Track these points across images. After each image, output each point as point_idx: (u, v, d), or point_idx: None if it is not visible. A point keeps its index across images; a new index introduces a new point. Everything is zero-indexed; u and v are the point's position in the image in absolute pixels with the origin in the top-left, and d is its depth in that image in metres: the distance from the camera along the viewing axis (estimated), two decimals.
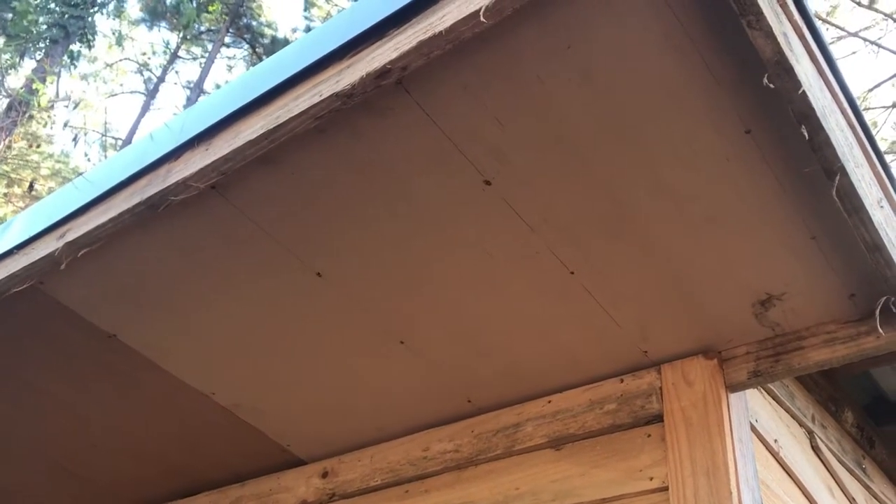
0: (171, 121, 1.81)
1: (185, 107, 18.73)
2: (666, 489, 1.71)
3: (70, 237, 1.79)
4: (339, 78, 1.43)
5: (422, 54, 1.32)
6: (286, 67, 1.55)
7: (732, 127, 1.43)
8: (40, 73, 16.81)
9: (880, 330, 1.64)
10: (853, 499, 2.49)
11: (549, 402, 2.04)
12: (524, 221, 1.65)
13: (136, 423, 2.42)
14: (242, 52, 20.82)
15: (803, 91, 1.27)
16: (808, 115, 1.30)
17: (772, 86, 1.27)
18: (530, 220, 1.64)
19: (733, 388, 1.81)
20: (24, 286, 1.91)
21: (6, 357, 2.21)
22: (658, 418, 1.83)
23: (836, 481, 2.39)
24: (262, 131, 1.49)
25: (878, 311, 1.63)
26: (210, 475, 2.62)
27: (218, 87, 20.27)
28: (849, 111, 1.43)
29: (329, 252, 1.80)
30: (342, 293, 1.90)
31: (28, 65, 17.90)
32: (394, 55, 1.34)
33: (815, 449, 2.33)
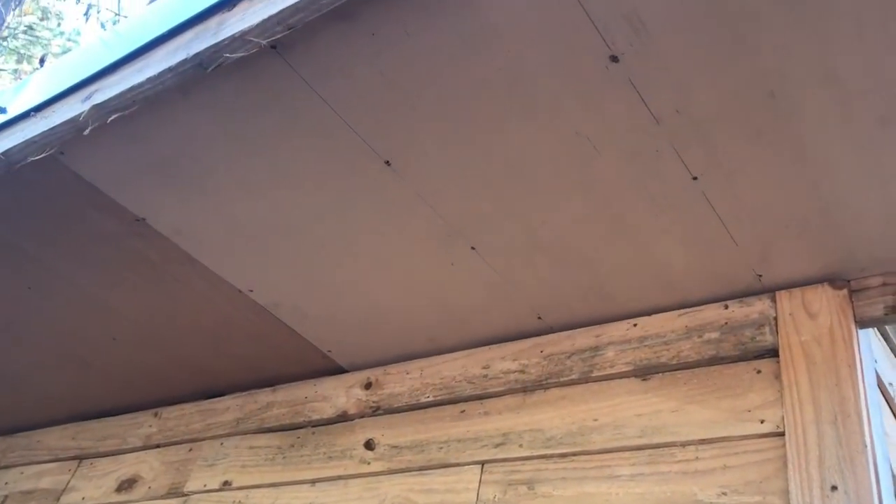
0: None
1: None
2: (781, 434, 1.47)
3: (98, 99, 1.50)
4: None
5: None
6: None
7: None
8: None
9: None
10: None
11: (635, 325, 1.79)
12: (650, 111, 1.36)
13: (163, 317, 2.19)
14: None
15: None
16: None
17: None
18: (659, 109, 1.35)
19: (863, 323, 1.55)
20: (42, 155, 1.64)
21: (20, 236, 1.96)
22: (771, 353, 1.59)
23: None
24: None
25: None
26: (238, 377, 2.41)
27: None
28: None
29: (404, 139, 1.52)
30: (412, 187, 1.62)
31: None
32: None
33: None
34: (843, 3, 1.15)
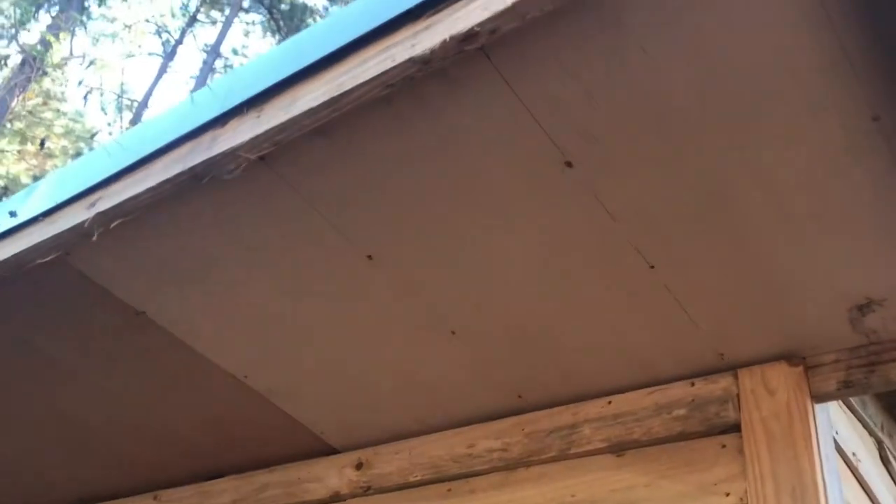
0: (214, 83, 1.64)
1: (202, 70, 18.51)
2: None
3: (102, 207, 1.63)
4: (414, 41, 1.27)
5: (516, 15, 1.16)
6: (350, 28, 1.39)
7: (858, 113, 1.26)
8: (55, 30, 16.61)
9: None
10: None
11: (610, 402, 1.89)
12: (606, 210, 1.49)
13: (163, 403, 2.28)
14: (260, 17, 20.54)
15: None
16: None
17: None
18: (613, 208, 1.48)
19: (819, 398, 1.65)
20: (49, 258, 1.76)
21: (27, 331, 2.07)
22: (734, 428, 1.68)
23: None
24: (323, 99, 1.33)
25: None
26: (234, 459, 2.49)
27: (235, 52, 20.04)
28: None
29: (383, 234, 1.65)
30: (393, 278, 1.74)
31: (43, 20, 17.70)
32: (483, 15, 1.18)
33: (885, 460, 2.18)
34: (768, 112, 1.29)
